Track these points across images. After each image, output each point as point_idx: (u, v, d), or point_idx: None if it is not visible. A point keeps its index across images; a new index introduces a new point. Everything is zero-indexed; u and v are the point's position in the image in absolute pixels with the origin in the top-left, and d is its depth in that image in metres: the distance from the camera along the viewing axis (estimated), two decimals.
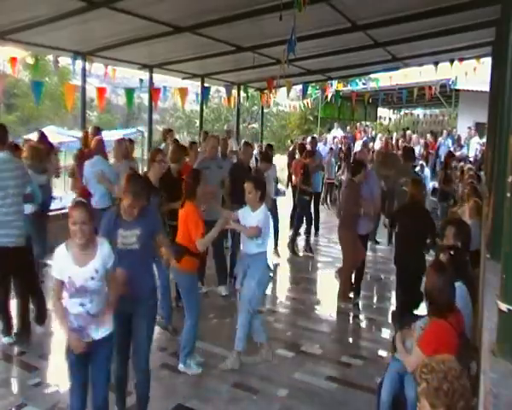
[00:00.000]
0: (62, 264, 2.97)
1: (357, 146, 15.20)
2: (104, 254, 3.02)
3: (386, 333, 5.39)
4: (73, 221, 2.93)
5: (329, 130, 19.80)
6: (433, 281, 3.05)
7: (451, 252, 3.64)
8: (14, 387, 4.11)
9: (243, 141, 9.78)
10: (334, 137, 17.08)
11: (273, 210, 7.45)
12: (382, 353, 4.83)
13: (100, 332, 3.06)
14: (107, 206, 5.95)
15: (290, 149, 14.59)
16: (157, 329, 5.23)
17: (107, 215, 3.52)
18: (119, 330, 3.31)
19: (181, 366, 4.32)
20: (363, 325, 5.75)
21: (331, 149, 14.39)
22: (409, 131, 17.67)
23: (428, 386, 1.90)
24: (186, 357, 4.33)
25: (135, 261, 3.40)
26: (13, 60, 8.51)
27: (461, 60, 10.85)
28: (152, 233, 3.56)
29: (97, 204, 5.97)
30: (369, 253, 7.80)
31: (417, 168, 10.26)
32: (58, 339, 5.01)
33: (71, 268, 2.96)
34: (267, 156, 7.63)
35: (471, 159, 13.65)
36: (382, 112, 25.89)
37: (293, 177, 9.36)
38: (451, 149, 14.25)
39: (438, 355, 2.09)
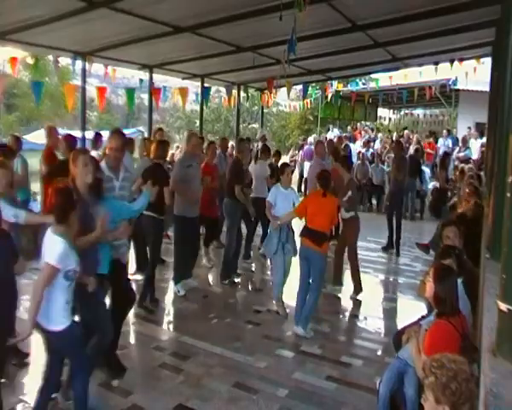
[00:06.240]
0: (68, 251, 3.13)
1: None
2: None
3: (386, 333, 5.39)
4: None
5: (328, 131, 19.80)
6: (445, 288, 2.98)
7: (456, 253, 3.62)
8: (14, 387, 4.10)
9: (239, 138, 9.71)
10: (338, 137, 17.03)
11: None
12: (382, 353, 4.83)
13: None
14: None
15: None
16: (157, 329, 5.27)
17: None
18: None
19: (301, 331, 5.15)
20: (363, 325, 5.74)
21: None
22: (406, 131, 17.66)
23: (437, 381, 1.91)
24: (307, 321, 5.18)
25: None
26: (13, 60, 8.51)
27: (461, 60, 10.84)
28: None
29: None
30: (370, 252, 7.83)
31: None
32: None
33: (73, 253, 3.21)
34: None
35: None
36: (382, 112, 25.84)
37: None
38: (456, 149, 14.21)
39: (449, 354, 2.08)
